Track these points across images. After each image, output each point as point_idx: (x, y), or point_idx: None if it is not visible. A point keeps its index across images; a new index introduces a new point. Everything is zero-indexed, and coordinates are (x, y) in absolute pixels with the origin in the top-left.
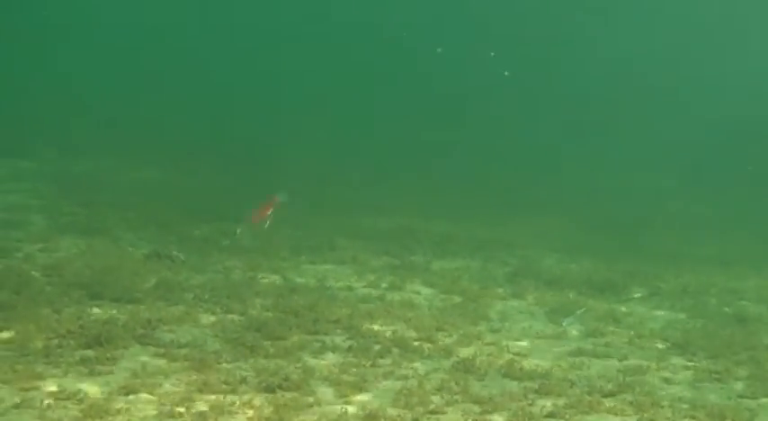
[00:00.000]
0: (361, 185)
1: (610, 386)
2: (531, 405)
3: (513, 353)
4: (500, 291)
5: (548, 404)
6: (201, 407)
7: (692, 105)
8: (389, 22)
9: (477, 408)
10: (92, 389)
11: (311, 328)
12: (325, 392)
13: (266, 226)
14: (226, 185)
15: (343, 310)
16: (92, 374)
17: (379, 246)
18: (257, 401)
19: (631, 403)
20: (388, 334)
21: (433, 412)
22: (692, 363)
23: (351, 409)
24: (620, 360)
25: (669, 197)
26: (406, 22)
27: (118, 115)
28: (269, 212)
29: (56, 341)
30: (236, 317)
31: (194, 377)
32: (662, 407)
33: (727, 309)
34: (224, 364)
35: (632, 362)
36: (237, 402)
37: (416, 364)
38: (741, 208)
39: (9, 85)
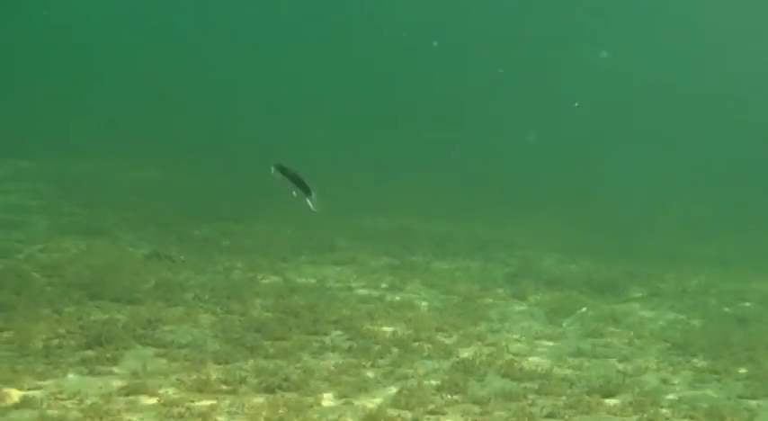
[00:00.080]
0: (361, 185)
1: (609, 386)
2: (530, 405)
3: (513, 354)
4: (500, 291)
5: (547, 404)
6: (201, 407)
7: (691, 105)
8: (389, 22)
9: (476, 409)
10: (92, 389)
11: (311, 329)
12: (325, 393)
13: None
14: (226, 185)
15: (343, 311)
16: (92, 374)
17: (379, 247)
18: (257, 401)
19: (631, 403)
20: (387, 334)
21: (432, 412)
22: (692, 363)
23: (350, 409)
24: (619, 360)
25: (669, 197)
26: (407, 22)
27: (118, 115)
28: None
29: (56, 341)
30: (236, 317)
31: (194, 377)
32: (661, 407)
33: (726, 310)
34: (224, 364)
35: (632, 362)
36: (237, 402)
37: (416, 365)
38: (741, 208)
39: (9, 85)
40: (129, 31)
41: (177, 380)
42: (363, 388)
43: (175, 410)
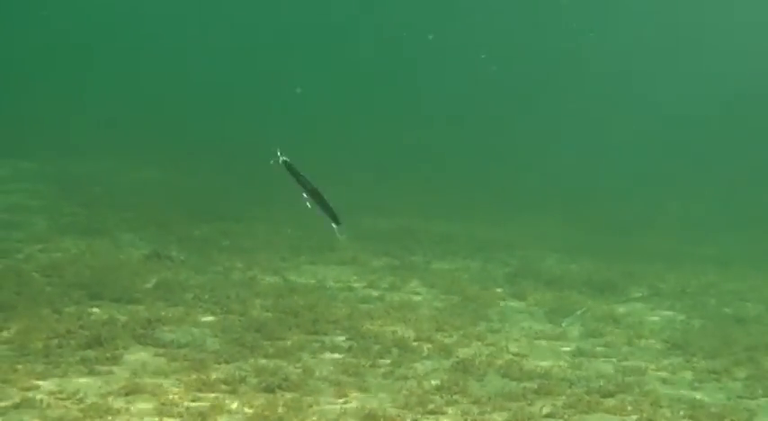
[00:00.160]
0: (361, 185)
1: (609, 386)
2: (530, 405)
3: (513, 354)
4: (500, 291)
5: (547, 404)
6: (201, 406)
7: (692, 105)
8: (389, 23)
9: (476, 409)
10: (92, 388)
11: (311, 328)
12: (325, 392)
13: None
14: (226, 185)
15: (343, 311)
16: (92, 374)
17: (379, 247)
18: (257, 401)
19: (630, 403)
20: (387, 334)
21: (432, 412)
22: (691, 364)
23: (350, 409)
24: (619, 360)
25: (669, 197)
26: (407, 22)
27: (118, 115)
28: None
29: (56, 341)
30: (235, 317)
31: (194, 377)
32: (661, 407)
33: (726, 310)
34: (223, 364)
35: (631, 362)
36: (237, 402)
37: (416, 364)
38: (741, 208)
39: (9, 85)
40: (128, 31)
41: (177, 379)
42: (363, 388)
43: (175, 410)
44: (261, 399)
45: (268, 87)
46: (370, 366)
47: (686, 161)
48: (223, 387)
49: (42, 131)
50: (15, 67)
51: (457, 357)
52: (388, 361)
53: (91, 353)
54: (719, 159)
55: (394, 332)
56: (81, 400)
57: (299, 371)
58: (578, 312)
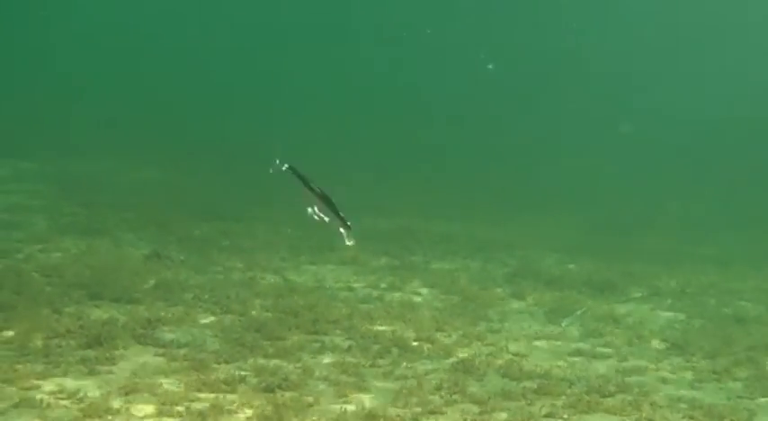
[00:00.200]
0: (361, 185)
1: (608, 386)
2: (529, 405)
3: (513, 354)
4: (499, 291)
5: (546, 404)
6: (201, 406)
7: (691, 105)
8: (389, 22)
9: (476, 408)
10: (91, 388)
11: (311, 328)
12: (325, 392)
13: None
14: (226, 185)
15: (343, 311)
16: (91, 374)
17: (379, 247)
18: (256, 401)
19: (630, 403)
20: (387, 334)
21: (432, 412)
22: (691, 364)
23: (350, 409)
24: (619, 360)
25: (669, 197)
26: (407, 22)
27: (118, 115)
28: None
29: (56, 341)
30: (235, 317)
31: (194, 377)
32: (660, 407)
33: (726, 310)
34: (223, 364)
35: (631, 362)
36: (237, 402)
37: (416, 364)
38: (741, 208)
39: (9, 84)
40: (128, 30)
41: (177, 379)
42: (363, 387)
43: (175, 409)
44: (261, 399)
45: (268, 87)
46: (370, 366)
47: (686, 161)
48: (223, 387)
49: (42, 131)
50: (15, 67)
51: (456, 357)
52: (388, 361)
53: (91, 353)
54: (719, 159)
55: (394, 332)
56: (81, 400)
57: (299, 371)
58: (578, 312)
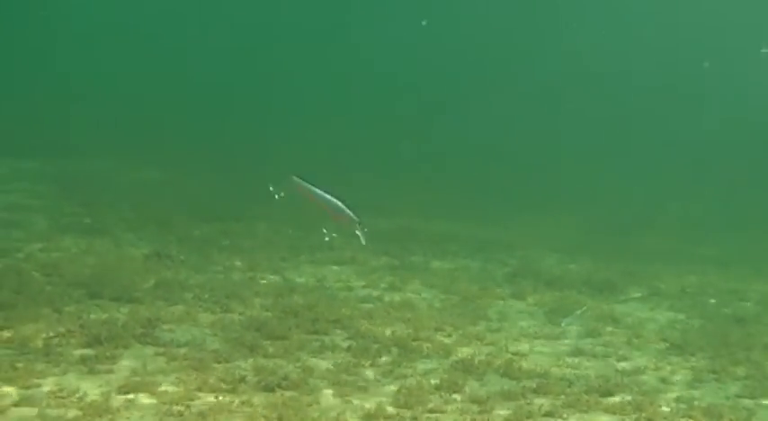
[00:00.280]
0: (361, 185)
1: (608, 385)
2: (529, 404)
3: (512, 353)
4: (499, 291)
5: (546, 403)
6: (201, 406)
7: (691, 105)
8: (390, 22)
9: (475, 408)
10: (91, 387)
11: (311, 328)
12: (325, 392)
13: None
14: (226, 185)
15: (343, 310)
16: (91, 373)
17: (379, 247)
18: (256, 401)
19: (629, 403)
20: (387, 333)
21: (431, 411)
22: (691, 363)
23: (350, 409)
24: (618, 360)
25: (669, 197)
26: (407, 22)
27: (118, 115)
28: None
29: (56, 340)
30: (235, 316)
31: (194, 376)
32: (660, 406)
33: (725, 310)
34: (223, 364)
35: (631, 361)
36: (237, 401)
37: (415, 364)
38: (741, 208)
39: (9, 84)
40: (128, 30)
41: (177, 378)
42: (363, 387)
43: (175, 409)
44: (260, 399)
45: (268, 87)
46: (370, 365)
47: (686, 161)
48: (223, 386)
49: (42, 131)
50: (15, 67)
51: (456, 357)
52: (388, 360)
53: (91, 352)
54: (719, 159)
55: (393, 331)
56: (81, 399)
57: (299, 370)
58: (578, 312)
